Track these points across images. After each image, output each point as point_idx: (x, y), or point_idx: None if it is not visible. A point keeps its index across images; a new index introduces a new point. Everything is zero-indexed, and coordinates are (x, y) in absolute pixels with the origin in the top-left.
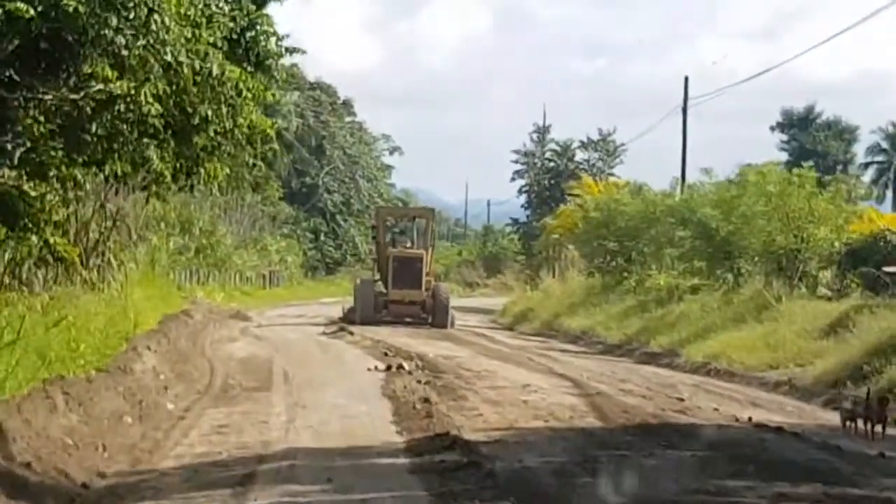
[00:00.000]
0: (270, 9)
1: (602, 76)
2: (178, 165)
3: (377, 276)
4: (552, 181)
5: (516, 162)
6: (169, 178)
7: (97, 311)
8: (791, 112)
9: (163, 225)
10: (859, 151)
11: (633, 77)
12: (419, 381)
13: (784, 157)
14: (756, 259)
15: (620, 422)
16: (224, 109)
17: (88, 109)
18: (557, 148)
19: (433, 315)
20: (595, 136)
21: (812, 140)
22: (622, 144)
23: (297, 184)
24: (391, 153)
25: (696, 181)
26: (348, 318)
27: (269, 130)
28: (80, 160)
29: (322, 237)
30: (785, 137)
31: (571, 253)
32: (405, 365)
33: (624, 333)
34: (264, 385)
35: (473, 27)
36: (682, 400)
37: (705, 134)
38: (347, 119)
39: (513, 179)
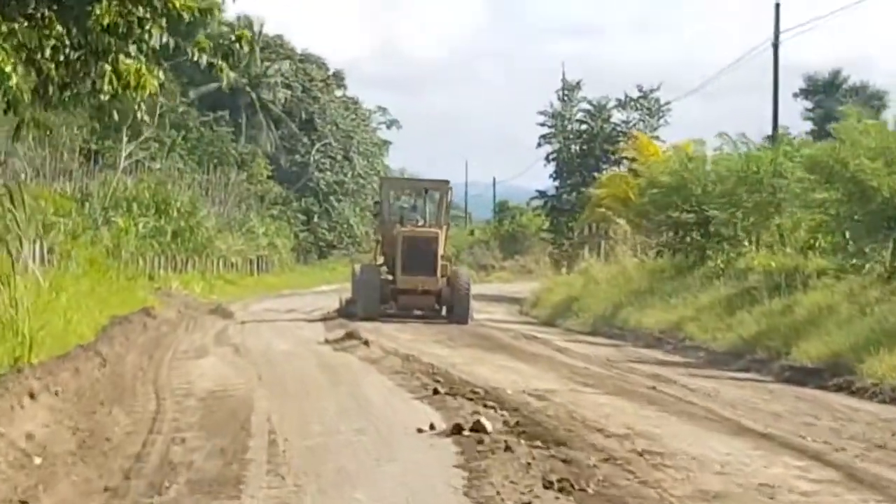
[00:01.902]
0: None
1: (588, 56)
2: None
3: (381, 261)
4: (584, 147)
5: (543, 125)
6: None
7: None
8: (815, 78)
9: (135, 206)
10: (888, 118)
11: (619, 57)
12: (537, 474)
13: (808, 126)
14: None
15: None
16: None
17: None
18: (590, 108)
19: (450, 307)
20: (633, 94)
21: (838, 107)
22: (667, 103)
23: (286, 161)
24: (388, 127)
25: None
26: (347, 312)
27: None
28: None
29: (315, 218)
30: (809, 105)
31: (623, 228)
32: (484, 421)
33: (738, 336)
34: (232, 467)
35: (462, 13)
36: None
37: (713, 111)
38: (339, 93)
39: (539, 145)
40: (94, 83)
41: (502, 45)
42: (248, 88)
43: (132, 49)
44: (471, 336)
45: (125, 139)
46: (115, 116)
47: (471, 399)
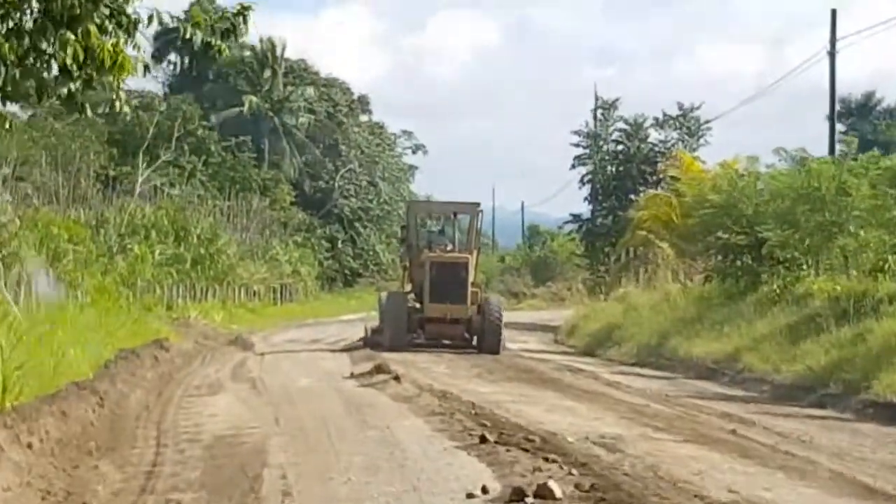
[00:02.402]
0: (281, 21)
1: (612, 83)
2: None
3: (409, 288)
4: (620, 168)
5: (577, 145)
6: None
7: None
8: (849, 100)
9: (153, 233)
10: None
11: (642, 84)
12: None
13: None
14: None
15: None
16: None
17: None
18: (627, 127)
19: (481, 336)
20: (672, 112)
21: (873, 130)
22: (707, 122)
23: (309, 188)
24: (414, 152)
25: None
26: (373, 341)
27: None
28: None
29: (340, 245)
30: (842, 128)
31: (666, 252)
32: (551, 485)
33: (805, 367)
34: None
35: (482, 40)
36: None
37: (742, 137)
38: (363, 118)
39: (573, 166)
40: (64, 66)
41: (524, 71)
42: (270, 113)
43: (105, 14)
44: (509, 369)
45: (142, 164)
46: (88, 111)
47: (526, 449)
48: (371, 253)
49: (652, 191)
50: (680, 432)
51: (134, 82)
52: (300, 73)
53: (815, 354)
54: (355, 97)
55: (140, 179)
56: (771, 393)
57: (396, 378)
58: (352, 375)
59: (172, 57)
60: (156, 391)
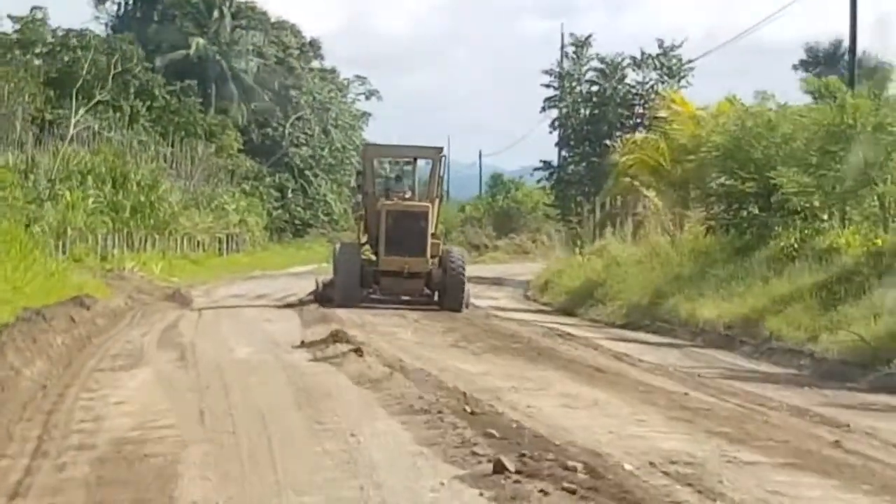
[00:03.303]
0: None
1: (557, 35)
2: None
3: (364, 239)
4: (595, 111)
5: (548, 86)
6: None
7: None
8: (816, 49)
9: (89, 179)
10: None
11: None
12: None
13: (808, 98)
14: None
15: None
16: None
17: None
18: (603, 66)
19: (442, 292)
20: (653, 51)
21: (841, 79)
22: (689, 62)
23: (258, 135)
24: (367, 98)
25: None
26: (324, 296)
27: None
28: None
29: (290, 195)
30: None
31: (653, 201)
32: None
33: (853, 337)
34: None
35: None
36: None
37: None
38: (315, 64)
39: (543, 109)
40: None
41: (472, 26)
42: (218, 57)
43: None
44: (489, 334)
45: (75, 104)
46: None
47: (571, 490)
48: (322, 203)
49: (639, 134)
50: (768, 447)
51: (75, 21)
52: (248, 14)
53: (861, 321)
54: (307, 41)
55: (74, 121)
56: (813, 369)
57: (358, 351)
58: (302, 344)
59: None
60: (62, 363)
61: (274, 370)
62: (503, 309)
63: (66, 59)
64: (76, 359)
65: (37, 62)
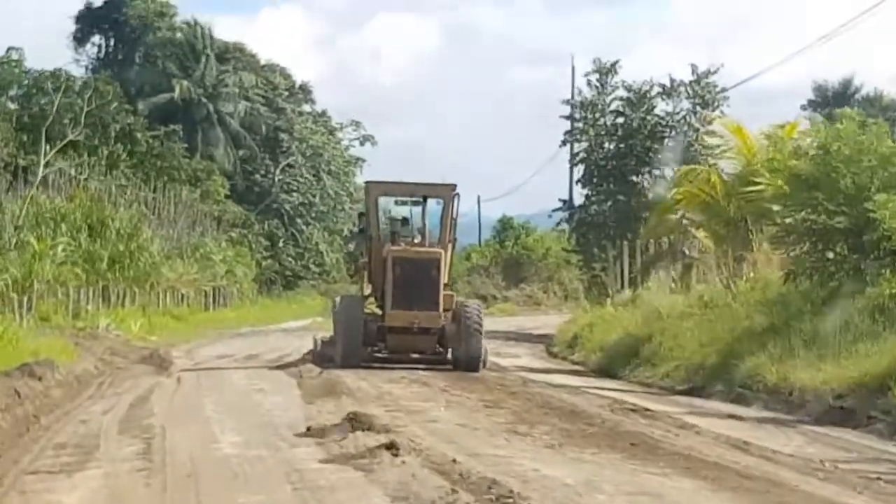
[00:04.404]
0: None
1: (547, 85)
2: None
3: (367, 290)
4: (620, 145)
5: (568, 118)
6: None
7: None
8: (825, 88)
9: (63, 226)
10: None
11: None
12: None
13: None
14: None
15: None
16: None
17: None
18: (630, 95)
19: (458, 351)
20: (686, 77)
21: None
22: (723, 90)
23: (246, 182)
24: (362, 143)
25: None
26: (323, 355)
27: None
28: None
29: (280, 244)
30: (819, 118)
31: (705, 244)
32: None
33: None
34: None
35: (420, 42)
36: None
37: None
38: (306, 107)
39: (563, 143)
40: None
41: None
42: (203, 100)
43: None
44: (543, 409)
45: (44, 145)
46: None
47: None
48: (314, 252)
49: (656, 172)
50: None
51: (54, 64)
52: (236, 56)
53: None
54: (296, 84)
55: (43, 161)
56: None
57: (391, 447)
58: (309, 431)
59: (96, 39)
60: None
61: (273, 480)
62: (531, 370)
63: (41, 102)
64: (7, 451)
65: (11, 105)
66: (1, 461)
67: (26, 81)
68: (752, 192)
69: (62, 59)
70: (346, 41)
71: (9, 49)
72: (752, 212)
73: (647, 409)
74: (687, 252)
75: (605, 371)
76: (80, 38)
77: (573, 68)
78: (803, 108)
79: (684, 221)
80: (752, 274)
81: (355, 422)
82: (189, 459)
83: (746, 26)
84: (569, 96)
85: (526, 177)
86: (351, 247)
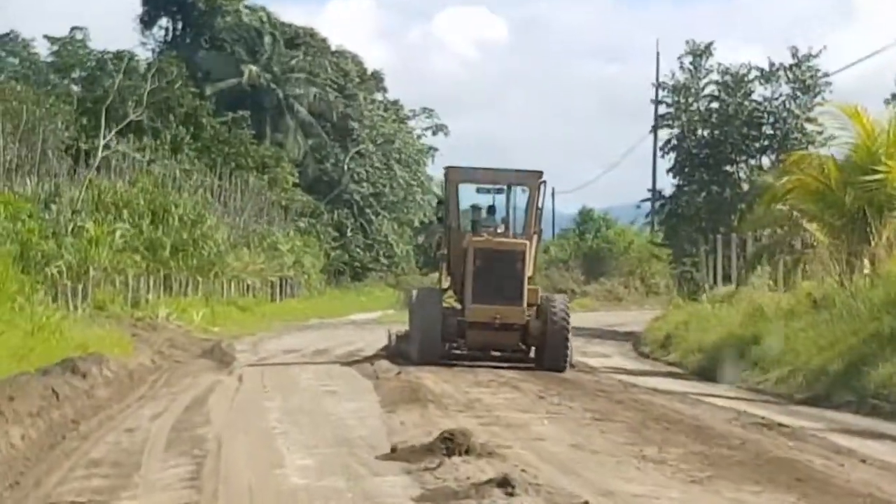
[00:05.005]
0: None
1: (616, 80)
2: None
3: (446, 283)
4: (715, 132)
5: (661, 102)
6: None
7: None
8: None
9: (125, 212)
10: None
11: (637, 82)
12: None
13: None
14: None
15: None
16: None
17: None
18: (727, 79)
19: (541, 348)
20: (785, 60)
21: None
22: (825, 75)
23: (315, 170)
24: (434, 133)
25: None
26: (398, 351)
27: None
28: None
29: (348, 234)
30: None
31: (817, 237)
32: None
33: None
34: None
35: (489, 34)
36: None
37: None
38: (378, 96)
39: (654, 129)
40: None
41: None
42: (272, 85)
43: None
44: (663, 424)
45: (104, 126)
46: None
47: None
48: (384, 244)
49: (750, 162)
50: None
51: (119, 47)
52: (307, 40)
53: None
54: (368, 72)
55: (102, 143)
56: None
57: (504, 484)
58: (394, 453)
59: (163, 22)
60: (3, 481)
61: None
62: (626, 371)
63: (105, 84)
64: (32, 468)
65: (75, 88)
66: (22, 480)
67: (90, 63)
68: (872, 180)
69: (129, 43)
70: (415, 33)
71: (72, 29)
72: (872, 202)
73: (782, 425)
74: (797, 246)
75: (706, 374)
76: (146, 22)
77: (658, 54)
78: (886, 102)
79: (794, 213)
80: (870, 270)
81: (450, 444)
82: (247, 490)
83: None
84: (666, 76)
85: (596, 172)
86: (420, 238)
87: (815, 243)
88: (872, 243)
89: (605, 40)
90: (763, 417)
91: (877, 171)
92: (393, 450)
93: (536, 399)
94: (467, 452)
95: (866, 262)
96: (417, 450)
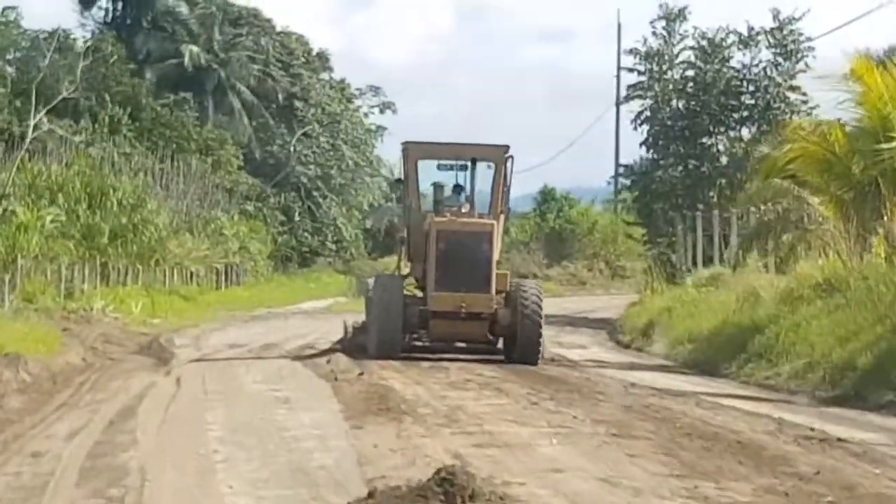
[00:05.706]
0: None
1: (554, 64)
2: None
3: (406, 269)
4: (691, 103)
5: (631, 70)
6: None
7: None
8: None
9: (60, 196)
10: None
11: (586, 64)
12: None
13: None
14: None
15: None
16: None
17: None
18: (703, 44)
19: (511, 339)
20: (766, 24)
21: None
22: (808, 39)
23: (260, 153)
24: (382, 111)
25: None
26: (355, 344)
27: None
28: None
29: (296, 218)
30: None
31: (824, 213)
32: None
33: None
34: None
35: (432, 18)
36: None
37: None
38: (324, 76)
39: (626, 98)
40: None
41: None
42: (215, 66)
43: None
44: (699, 441)
45: (34, 102)
46: None
47: None
48: (332, 227)
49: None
50: None
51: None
52: (251, 21)
53: None
54: (314, 52)
55: (32, 123)
56: None
57: None
58: (371, 498)
59: (103, 2)
60: None
61: None
62: (609, 364)
63: (39, 65)
64: None
65: (8, 69)
66: None
67: (24, 44)
68: (886, 148)
69: (68, 25)
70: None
71: (4, 9)
72: (885, 172)
73: (841, 440)
74: (801, 222)
75: (701, 367)
76: (85, 2)
77: (619, 25)
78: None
79: (795, 187)
80: (887, 248)
81: (449, 484)
82: None
83: None
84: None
85: (550, 154)
86: (369, 223)
87: (820, 219)
88: (886, 218)
89: (552, 20)
90: (812, 429)
91: (892, 139)
92: (370, 495)
93: (528, 405)
94: (472, 499)
95: (877, 240)
96: (404, 494)
